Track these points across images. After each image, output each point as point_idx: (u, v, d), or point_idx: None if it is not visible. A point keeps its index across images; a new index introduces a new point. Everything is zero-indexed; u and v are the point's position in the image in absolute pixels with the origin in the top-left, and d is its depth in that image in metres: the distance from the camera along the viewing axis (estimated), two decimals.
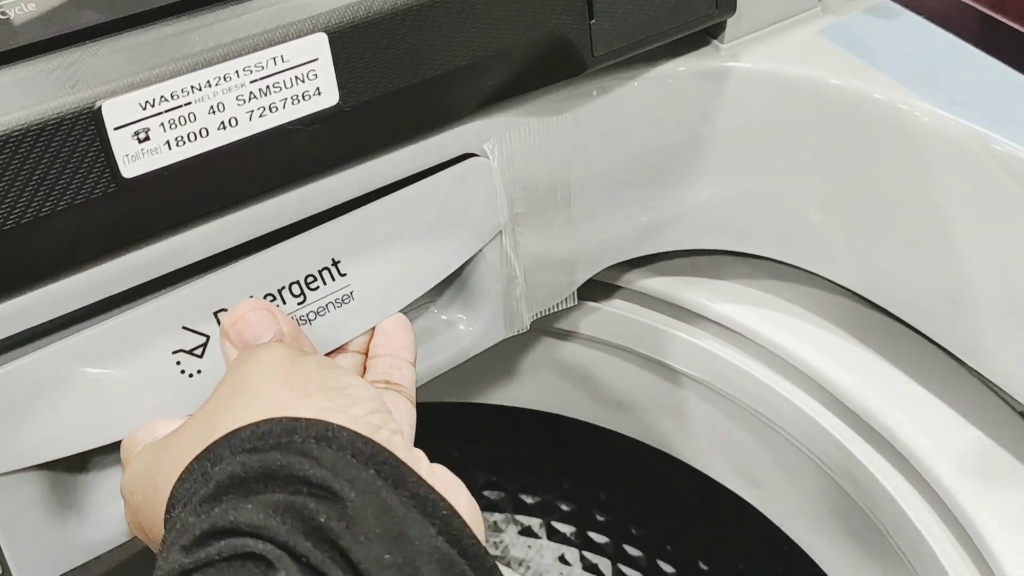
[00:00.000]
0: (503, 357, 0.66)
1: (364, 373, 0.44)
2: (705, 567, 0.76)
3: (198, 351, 0.40)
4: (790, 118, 0.52)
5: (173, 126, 0.36)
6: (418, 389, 0.45)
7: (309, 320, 0.43)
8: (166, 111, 0.35)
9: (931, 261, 0.49)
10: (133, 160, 0.35)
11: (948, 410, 0.53)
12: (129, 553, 0.50)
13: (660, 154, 0.54)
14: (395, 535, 0.30)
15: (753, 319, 0.58)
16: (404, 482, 0.32)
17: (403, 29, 0.40)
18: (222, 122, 0.37)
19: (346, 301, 0.44)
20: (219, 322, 0.41)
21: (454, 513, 0.32)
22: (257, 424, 0.33)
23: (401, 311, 0.46)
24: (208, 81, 0.36)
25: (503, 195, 0.48)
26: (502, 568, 0.67)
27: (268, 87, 0.37)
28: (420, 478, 0.32)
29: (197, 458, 0.33)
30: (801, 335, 0.57)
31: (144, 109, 0.35)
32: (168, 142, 0.36)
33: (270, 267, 0.42)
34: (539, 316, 0.54)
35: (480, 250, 0.49)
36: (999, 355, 0.49)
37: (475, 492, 0.43)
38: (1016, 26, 0.55)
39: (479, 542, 0.32)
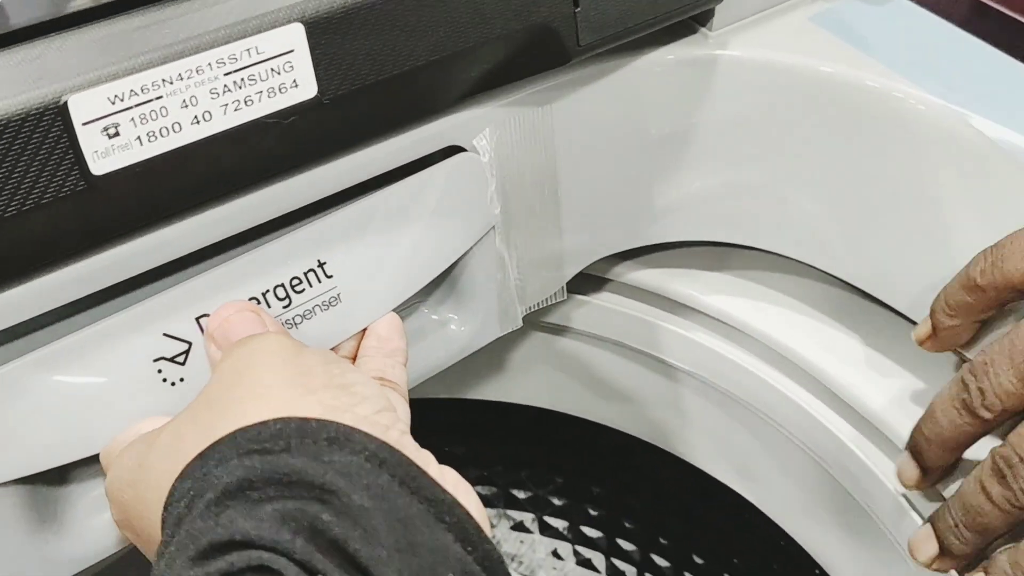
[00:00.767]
0: (493, 352, 0.65)
1: None
2: (699, 561, 0.76)
3: (180, 358, 0.39)
4: (781, 106, 0.51)
5: (144, 121, 0.34)
6: None
7: (295, 324, 0.42)
8: (136, 105, 0.34)
9: (925, 250, 0.49)
10: (103, 157, 0.34)
11: None
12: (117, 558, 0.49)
13: (649, 145, 0.53)
14: (413, 544, 0.30)
15: (746, 311, 0.57)
16: (419, 487, 0.31)
17: (383, 18, 0.39)
18: (195, 116, 0.35)
19: (333, 304, 0.43)
20: (201, 328, 0.40)
21: (467, 516, 0.32)
22: (265, 423, 0.32)
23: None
24: (180, 74, 0.35)
25: (495, 190, 0.47)
26: None
27: (243, 80, 0.36)
28: (433, 481, 0.32)
29: (200, 456, 0.32)
30: (794, 326, 0.56)
31: (113, 104, 0.34)
32: (139, 138, 0.34)
33: (253, 270, 0.41)
34: (529, 311, 0.54)
35: (471, 247, 0.48)
36: None
37: None
38: (1008, 11, 0.55)
39: (492, 544, 0.32)
